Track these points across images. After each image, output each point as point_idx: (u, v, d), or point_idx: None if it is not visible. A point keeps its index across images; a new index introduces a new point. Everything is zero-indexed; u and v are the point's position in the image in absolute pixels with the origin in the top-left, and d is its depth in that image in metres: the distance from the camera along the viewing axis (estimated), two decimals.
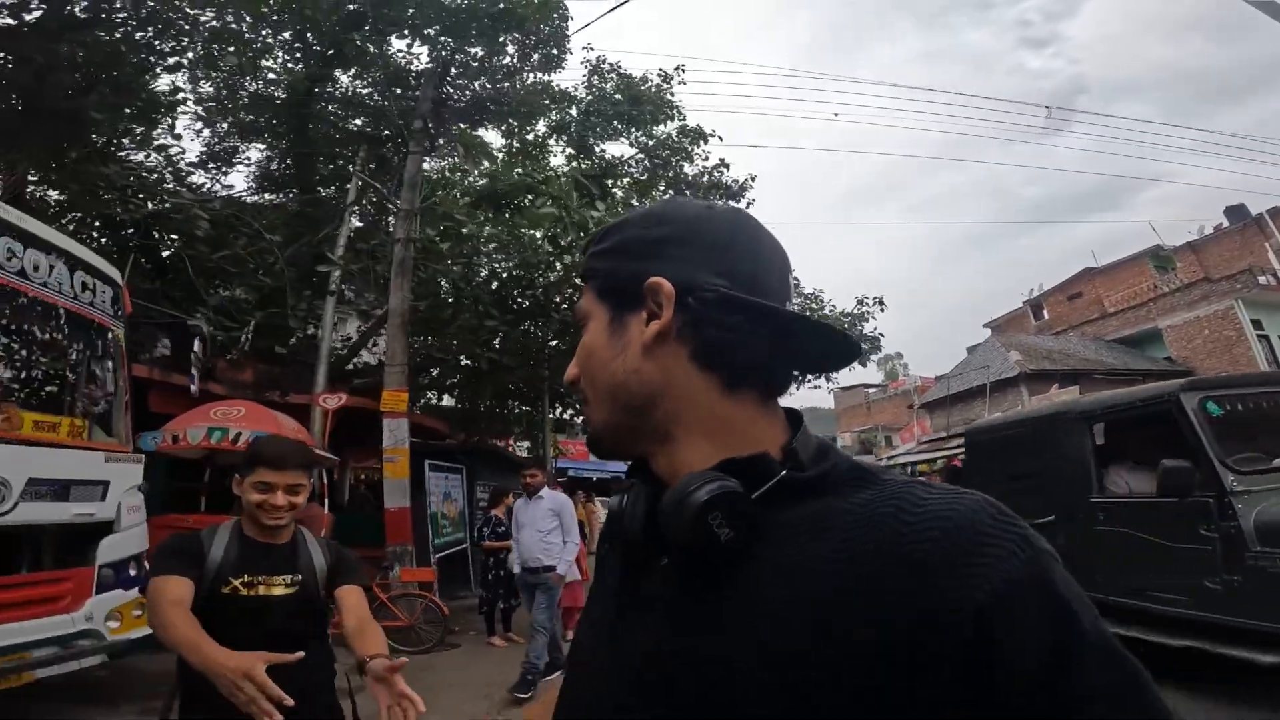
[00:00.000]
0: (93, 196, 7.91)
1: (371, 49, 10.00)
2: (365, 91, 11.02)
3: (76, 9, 6.96)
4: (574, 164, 12.16)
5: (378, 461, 11.35)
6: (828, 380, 12.64)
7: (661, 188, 12.84)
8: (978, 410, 19.81)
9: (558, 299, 9.29)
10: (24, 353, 3.73)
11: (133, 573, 4.05)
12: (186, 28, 8.22)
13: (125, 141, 8.86)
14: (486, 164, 12.58)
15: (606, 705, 0.60)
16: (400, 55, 10.62)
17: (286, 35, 9.98)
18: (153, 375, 7.34)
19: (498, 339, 9.64)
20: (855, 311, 12.59)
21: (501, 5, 9.32)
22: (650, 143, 13.00)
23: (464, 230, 8.42)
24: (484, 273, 9.58)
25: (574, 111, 12.48)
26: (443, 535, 9.49)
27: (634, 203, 8.86)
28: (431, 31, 9.54)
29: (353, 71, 10.76)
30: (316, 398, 8.52)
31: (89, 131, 7.55)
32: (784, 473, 0.56)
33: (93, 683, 4.29)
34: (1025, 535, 0.48)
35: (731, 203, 14.02)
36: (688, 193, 13.35)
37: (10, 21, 6.71)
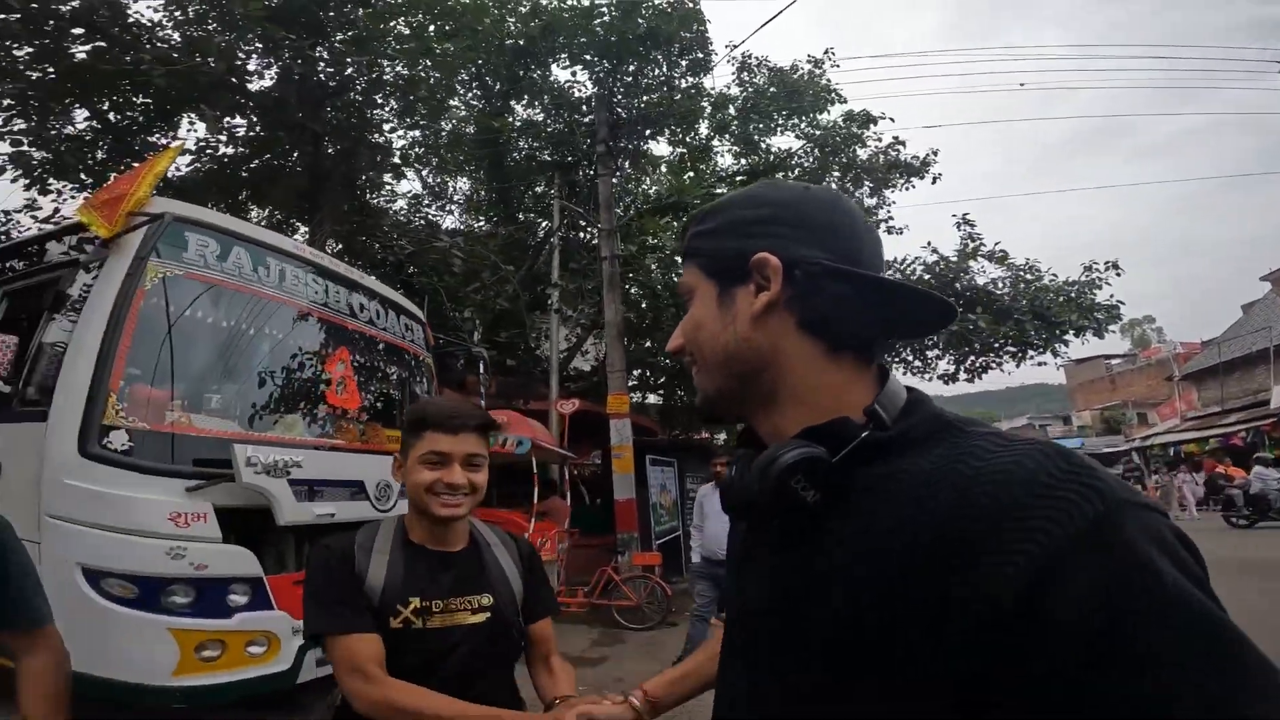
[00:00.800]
0: (363, 245, 9.76)
1: (537, 77, 10.95)
2: (540, 119, 12.05)
3: (319, 76, 8.55)
4: (741, 161, 12.24)
5: (589, 458, 12.60)
6: (1054, 355, 11.28)
7: (836, 173, 12.51)
8: (1260, 379, 16.33)
9: None
10: (374, 382, 4.89)
11: None
12: (396, 84, 9.82)
13: (378, 194, 10.80)
14: (663, 173, 13.16)
15: (733, 658, 0.70)
16: (567, 83, 11.60)
17: (464, 76, 11.27)
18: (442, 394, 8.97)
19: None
20: (1083, 279, 11.10)
21: (645, 26, 9.87)
22: (816, 132, 12.71)
23: (652, 240, 8.99)
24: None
25: (732, 110, 12.54)
26: (660, 524, 10.27)
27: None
28: (589, 56, 10.32)
29: (525, 100, 11.83)
30: (554, 404, 9.71)
31: (356, 190, 9.36)
32: (864, 435, 0.59)
33: None
34: (1096, 486, 0.46)
35: (914, 179, 12.75)
36: (864, 178, 13.01)
37: (275, 94, 8.58)
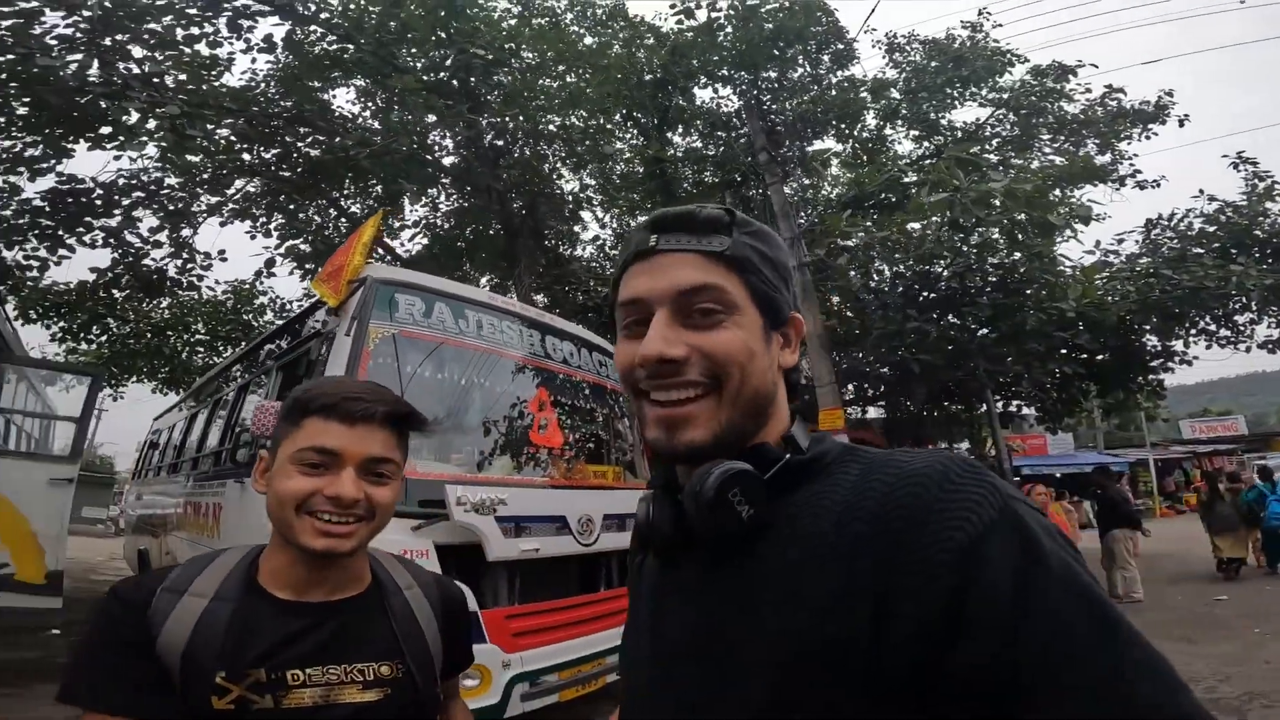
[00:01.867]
0: (563, 292, 10.40)
1: (683, 104, 11.02)
2: (699, 145, 12.08)
3: (487, 139, 9.25)
4: (923, 145, 11.11)
5: None
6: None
7: (1045, 136, 11.12)
8: None
9: (974, 284, 8.37)
10: (573, 419, 5.01)
11: None
12: (556, 135, 10.22)
13: (566, 243, 11.52)
14: (836, 171, 12.46)
15: (654, 701, 0.66)
16: (711, 102, 11.55)
17: (617, 118, 11.60)
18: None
19: (916, 338, 9.15)
20: None
21: (769, 26, 9.52)
22: (1003, 96, 11.36)
23: (848, 241, 8.30)
24: (886, 274, 9.30)
25: (894, 94, 11.63)
26: None
27: (1040, 174, 7.48)
28: (725, 72, 10.14)
29: (679, 129, 11.96)
30: None
31: (545, 240, 10.02)
32: (788, 456, 0.63)
33: None
34: (994, 483, 0.53)
35: (1152, 126, 10.61)
36: (1085, 134, 11.39)
37: (459, 163, 9.43)
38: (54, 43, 5.14)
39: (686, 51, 10.35)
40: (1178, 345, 10.31)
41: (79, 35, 5.27)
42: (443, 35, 8.10)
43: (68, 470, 5.53)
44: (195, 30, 6.26)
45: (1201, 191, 9.61)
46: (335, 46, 7.98)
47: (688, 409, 0.62)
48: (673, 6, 9.91)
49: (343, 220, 10.65)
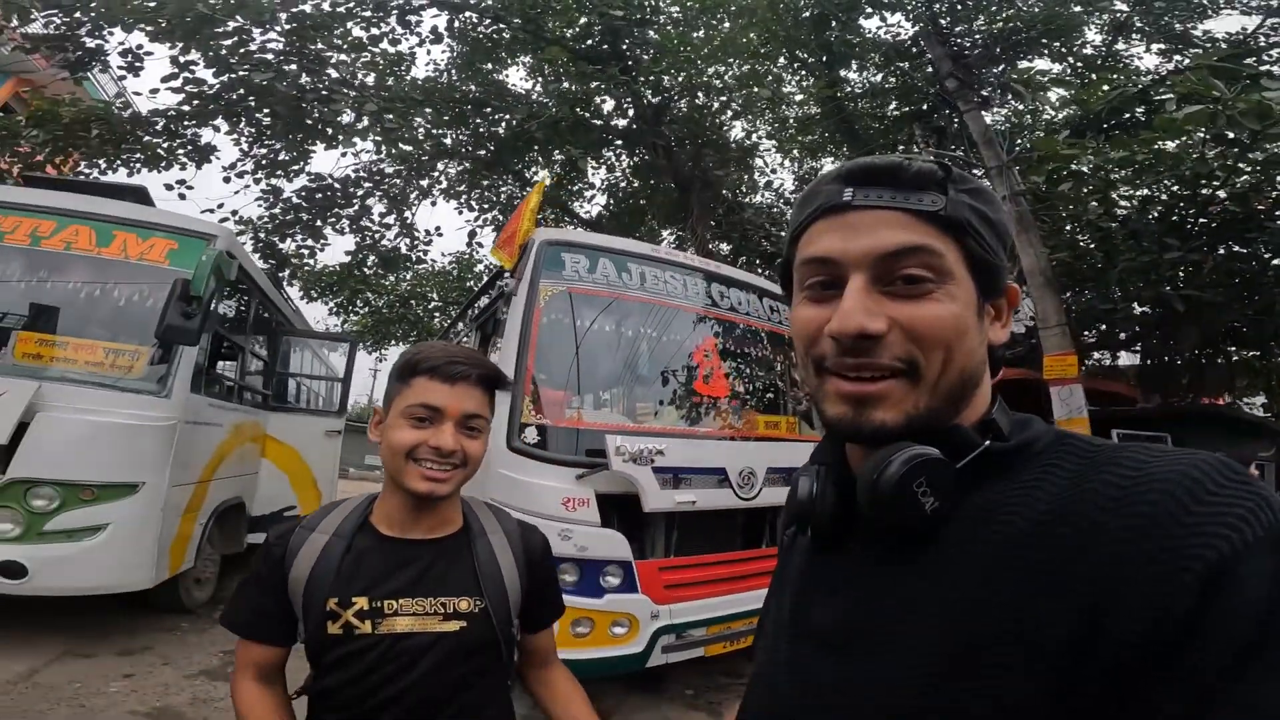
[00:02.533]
0: (743, 239, 10.12)
1: (850, 38, 9.90)
2: (877, 80, 10.93)
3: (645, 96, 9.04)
4: (1173, 60, 8.62)
5: None
6: None
7: None
8: None
9: (1260, 206, 6.49)
10: (743, 367, 4.87)
11: None
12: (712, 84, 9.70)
13: (743, 191, 11.09)
14: (1059, 93, 10.30)
15: (785, 682, 0.62)
16: (883, 32, 10.21)
17: (782, 60, 10.94)
18: None
19: (1182, 271, 7.38)
20: None
21: None
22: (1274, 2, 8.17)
23: (1076, 166, 6.81)
24: (1133, 201, 7.56)
25: (1121, 4, 9.14)
26: None
27: None
28: None
29: (858, 67, 10.83)
30: None
31: (717, 189, 9.76)
32: (987, 443, 0.56)
33: None
34: (1264, 495, 0.45)
35: None
36: None
37: (622, 123, 9.34)
38: (270, 57, 6.16)
39: None
40: None
41: (287, 49, 6.25)
42: (584, 2, 8.15)
43: (336, 423, 6.77)
44: (375, 31, 7.08)
45: None
46: (491, 29, 8.49)
47: (881, 385, 0.55)
48: None
49: (527, 190, 11.46)
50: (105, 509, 3.74)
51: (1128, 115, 7.96)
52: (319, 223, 8.07)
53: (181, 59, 6.37)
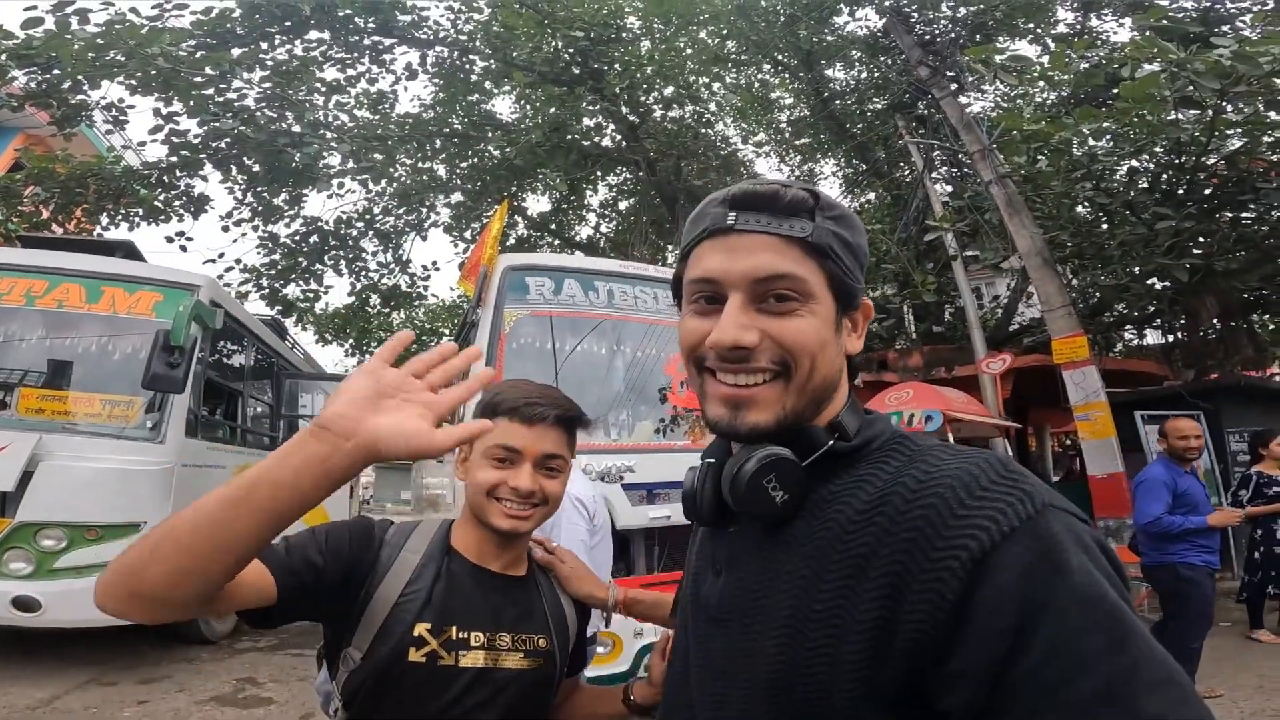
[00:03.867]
0: None
1: (830, 37, 10.11)
2: (864, 76, 11.05)
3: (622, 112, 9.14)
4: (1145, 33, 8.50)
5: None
6: None
7: None
8: None
9: (1257, 165, 6.24)
10: None
11: None
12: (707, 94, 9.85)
13: None
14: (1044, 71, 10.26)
15: (690, 674, 0.69)
16: (854, 27, 10.43)
17: (767, 66, 11.14)
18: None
19: (1186, 242, 7.12)
20: None
21: None
22: None
23: (1054, 142, 6.62)
24: (1119, 173, 7.32)
25: None
26: None
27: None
28: None
29: (839, 64, 11.00)
30: (979, 365, 8.15)
31: (701, 200, 9.96)
32: (831, 443, 0.62)
33: None
34: (1028, 492, 0.51)
35: None
36: None
37: (607, 143, 9.37)
38: (249, 103, 6.38)
39: None
40: None
41: (266, 96, 6.47)
42: (545, 27, 8.33)
43: None
44: (351, 71, 7.28)
45: None
46: (461, 61, 8.68)
47: (754, 391, 0.63)
48: None
49: (517, 219, 11.62)
50: (111, 547, 3.95)
51: (1109, 89, 7.79)
52: (316, 265, 8.29)
53: (164, 110, 6.63)
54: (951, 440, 6.29)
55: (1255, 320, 9.69)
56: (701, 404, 0.67)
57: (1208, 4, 8.58)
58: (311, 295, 8.65)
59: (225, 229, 8.03)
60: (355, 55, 7.88)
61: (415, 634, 0.97)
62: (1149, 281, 8.41)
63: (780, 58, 10.95)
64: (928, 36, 9.47)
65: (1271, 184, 6.29)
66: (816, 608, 0.55)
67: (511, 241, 11.52)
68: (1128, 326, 10.72)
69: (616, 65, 8.93)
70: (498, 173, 9.24)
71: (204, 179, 7.48)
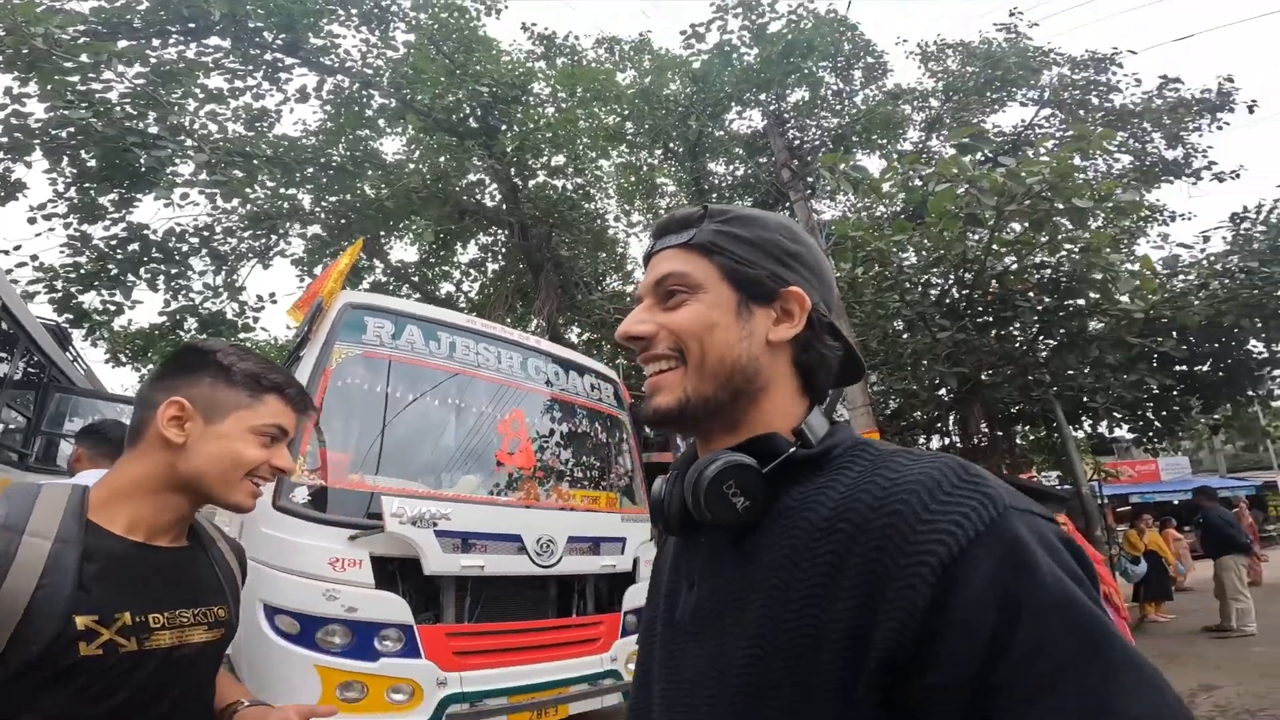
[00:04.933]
0: (601, 326, 10.50)
1: (718, 132, 11.13)
2: (738, 173, 12.18)
3: (509, 173, 9.56)
4: (972, 155, 10.91)
5: None
6: None
7: (1098, 129, 10.37)
8: None
9: (1020, 288, 7.64)
10: (565, 441, 4.95)
11: None
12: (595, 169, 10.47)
13: (607, 278, 11.67)
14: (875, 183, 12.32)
15: (658, 672, 0.69)
16: (739, 125, 11.63)
17: (659, 152, 11.97)
18: (675, 458, 8.91)
19: (962, 352, 8.47)
20: None
21: (783, 42, 9.68)
22: (1045, 94, 11.07)
23: (868, 251, 7.74)
24: (934, 293, 8.66)
25: (934, 103, 11.49)
26: None
27: (1073, 159, 6.81)
28: (747, 95, 10.26)
29: (721, 160, 12.08)
30: None
31: (573, 273, 10.17)
32: (792, 450, 0.64)
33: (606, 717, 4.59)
34: (991, 495, 0.52)
35: (1218, 117, 10.38)
36: (1147, 129, 10.81)
37: (489, 202, 9.64)
38: (112, 98, 5.85)
39: (705, 78, 10.46)
40: None
41: (136, 92, 5.95)
42: (455, 76, 8.56)
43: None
44: (239, 84, 6.93)
45: None
46: (360, 93, 8.63)
47: (659, 378, 0.69)
48: (682, 33, 10.18)
49: (376, 263, 11.29)
50: None
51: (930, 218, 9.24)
52: (128, 276, 7.42)
53: (16, 90, 5.86)
54: None
55: (1017, 431, 11.53)
56: None
57: (1019, 130, 10.79)
58: (113, 308, 7.64)
59: (32, 220, 7.00)
60: (250, 68, 7.52)
61: (80, 628, 0.87)
62: (937, 390, 9.81)
63: (671, 145, 11.77)
64: (798, 142, 10.77)
65: (1029, 303, 7.64)
66: (788, 617, 0.55)
67: (366, 285, 11.10)
68: (919, 430, 12.27)
69: (514, 126, 9.15)
70: (367, 212, 8.99)
71: (28, 165, 6.56)
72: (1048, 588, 0.47)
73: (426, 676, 3.19)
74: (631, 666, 4.28)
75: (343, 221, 9.90)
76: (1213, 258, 8.75)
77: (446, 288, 12.63)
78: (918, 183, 6.93)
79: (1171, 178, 10.64)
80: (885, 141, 11.69)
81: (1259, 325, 8.25)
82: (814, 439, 0.65)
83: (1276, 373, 9.29)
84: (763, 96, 10.60)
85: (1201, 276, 8.29)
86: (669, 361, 0.69)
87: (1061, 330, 8.03)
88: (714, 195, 12.34)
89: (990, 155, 7.48)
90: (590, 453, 5.03)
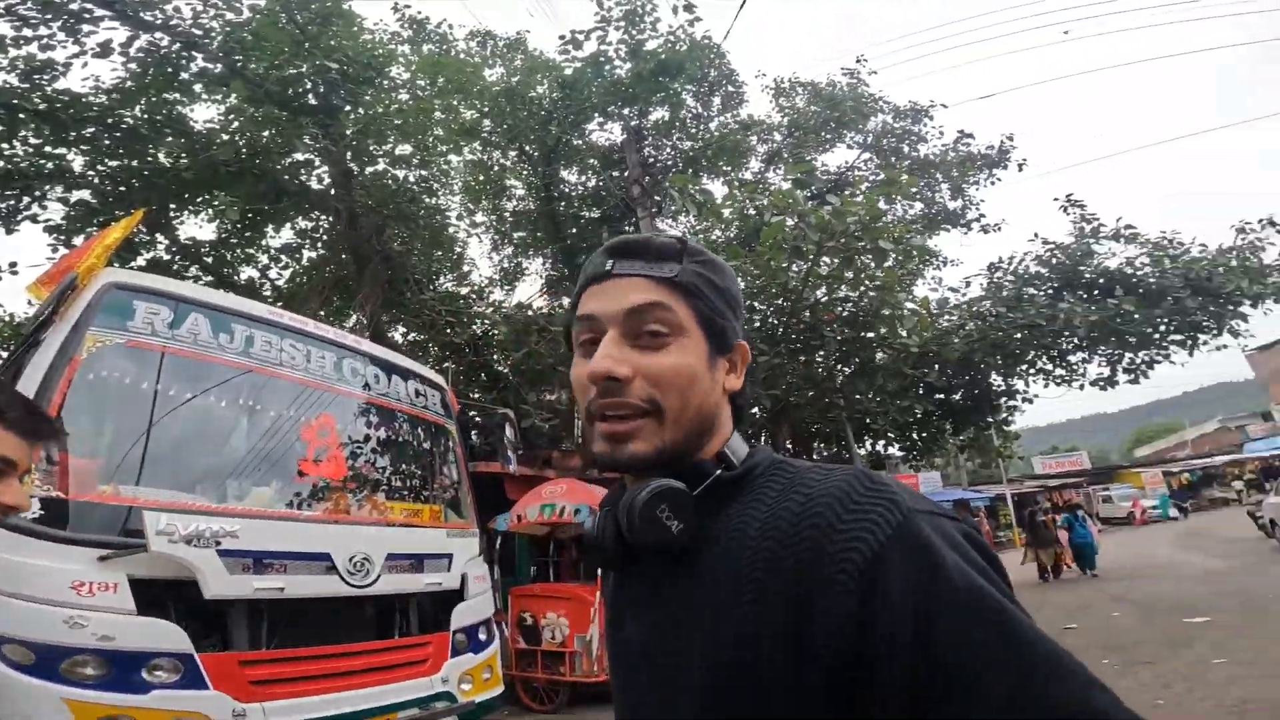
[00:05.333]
0: (429, 327, 9.96)
1: (576, 141, 11.26)
2: (590, 183, 12.41)
3: (345, 156, 9.05)
4: (801, 191, 12.34)
5: None
6: (1233, 336, 9.52)
7: (904, 177, 12.09)
8: None
9: (827, 318, 8.56)
10: (384, 450, 4.54)
11: (482, 637, 4.40)
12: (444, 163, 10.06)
13: (441, 277, 11.10)
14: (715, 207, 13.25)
15: (623, 706, 0.69)
16: (598, 136, 11.91)
17: (512, 153, 11.89)
18: (504, 469, 8.54)
19: (776, 376, 9.26)
20: (1239, 244, 9.35)
21: (656, 61, 10.04)
22: (869, 138, 12.52)
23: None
24: (756, 319, 9.37)
25: (778, 136, 12.57)
26: None
27: (879, 202, 7.88)
28: (612, 108, 10.47)
29: (572, 167, 12.24)
30: None
31: (404, 269, 9.63)
32: (718, 472, 0.65)
33: None
34: (894, 499, 0.54)
35: (995, 171, 12.29)
36: (938, 178, 12.41)
37: (315, 185, 8.92)
38: None
39: (575, 85, 10.48)
40: (1019, 384, 11.01)
41: None
42: (303, 48, 7.78)
43: None
44: (29, 32, 5.70)
45: (1036, 235, 10.50)
46: (181, 54, 7.49)
47: (632, 424, 0.64)
48: (561, 38, 10.14)
49: (160, 239, 9.72)
50: None
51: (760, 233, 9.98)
52: None
53: None
54: None
55: (815, 448, 12.80)
56: (589, 447, 0.69)
57: (842, 170, 11.98)
58: None
59: None
60: (47, 16, 6.07)
61: None
62: (752, 410, 10.59)
63: (527, 148, 11.53)
64: (652, 160, 11.04)
65: (834, 334, 8.52)
66: (729, 638, 0.55)
67: (142, 263, 9.43)
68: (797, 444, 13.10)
69: (360, 109, 8.35)
70: (156, 181, 7.67)
71: None
72: (954, 582, 0.49)
73: (218, 708, 2.84)
74: (465, 686, 4.07)
75: (122, 189, 8.36)
76: (971, 301, 10.45)
77: (249, 273, 11.15)
78: (751, 212, 7.46)
79: (949, 226, 12.55)
80: (730, 169, 12.47)
81: (999, 362, 10.01)
82: (736, 461, 0.66)
83: (1010, 402, 11.36)
84: (626, 111, 10.82)
85: (962, 318, 9.84)
86: (638, 415, 0.64)
87: (855, 359, 9.08)
88: (563, 203, 12.37)
89: (817, 192, 8.32)
90: (413, 463, 4.68)
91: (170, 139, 8.16)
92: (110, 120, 7.83)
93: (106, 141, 8.04)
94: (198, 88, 8.45)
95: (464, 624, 4.27)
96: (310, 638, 3.38)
